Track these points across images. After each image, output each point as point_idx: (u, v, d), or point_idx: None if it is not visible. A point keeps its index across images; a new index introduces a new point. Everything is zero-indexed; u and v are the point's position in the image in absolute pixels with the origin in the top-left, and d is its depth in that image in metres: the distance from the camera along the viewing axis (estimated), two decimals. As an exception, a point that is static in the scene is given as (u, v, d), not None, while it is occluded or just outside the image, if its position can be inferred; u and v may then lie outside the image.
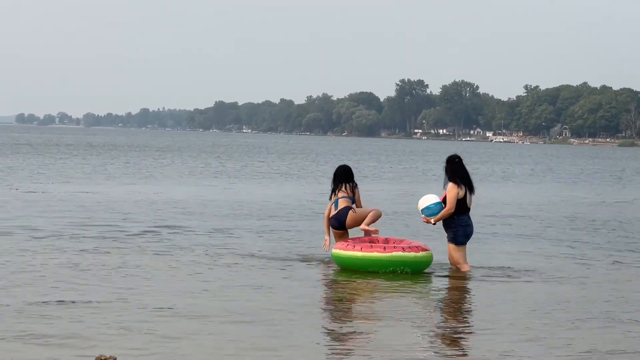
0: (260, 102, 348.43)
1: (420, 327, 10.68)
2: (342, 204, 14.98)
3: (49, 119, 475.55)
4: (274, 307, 11.49)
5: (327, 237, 15.18)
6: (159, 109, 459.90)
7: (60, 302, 11.32)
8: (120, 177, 39.89)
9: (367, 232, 14.95)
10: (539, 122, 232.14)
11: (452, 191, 14.55)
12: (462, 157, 14.96)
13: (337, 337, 10.07)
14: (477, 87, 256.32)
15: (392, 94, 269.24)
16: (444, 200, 14.61)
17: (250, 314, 11.01)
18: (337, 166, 15.57)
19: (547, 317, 11.35)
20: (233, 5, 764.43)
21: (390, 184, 40.82)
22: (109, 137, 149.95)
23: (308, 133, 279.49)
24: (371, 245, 14.33)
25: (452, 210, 14.47)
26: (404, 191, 34.10)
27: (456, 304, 12.50)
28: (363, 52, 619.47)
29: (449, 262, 14.86)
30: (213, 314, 10.92)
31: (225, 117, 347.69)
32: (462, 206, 14.56)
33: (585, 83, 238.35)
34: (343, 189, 15.05)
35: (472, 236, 14.94)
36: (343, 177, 15.16)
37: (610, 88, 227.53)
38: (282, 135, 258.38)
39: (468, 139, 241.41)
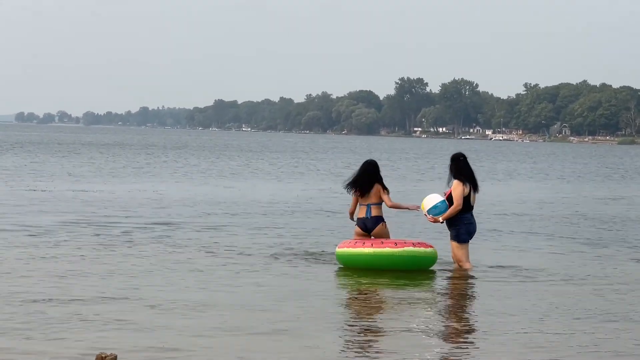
0: (259, 100, 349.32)
1: (424, 327, 10.63)
2: (375, 211, 14.64)
3: (49, 118, 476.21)
4: (281, 308, 11.43)
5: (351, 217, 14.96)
6: (158, 107, 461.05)
7: (52, 299, 11.26)
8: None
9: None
10: (539, 120, 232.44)
11: (458, 188, 14.53)
12: (466, 156, 14.94)
13: (343, 336, 10.00)
14: (477, 85, 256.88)
15: (392, 92, 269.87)
16: (448, 198, 14.59)
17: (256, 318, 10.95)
18: (364, 161, 15.10)
19: (550, 317, 11.30)
20: (233, 3, 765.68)
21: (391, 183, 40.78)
22: (120, 136, 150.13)
23: (307, 131, 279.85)
24: (382, 242, 14.22)
25: (460, 207, 14.45)
26: (404, 190, 34.12)
27: (460, 304, 12.46)
28: (363, 50, 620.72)
29: (452, 260, 14.84)
30: (214, 311, 10.86)
31: (224, 115, 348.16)
32: (465, 204, 14.56)
33: (584, 81, 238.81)
34: (373, 192, 14.65)
35: (476, 234, 14.91)
36: (373, 176, 14.76)
37: (610, 86, 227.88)
38: (282, 134, 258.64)
39: (468, 137, 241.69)
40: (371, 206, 14.62)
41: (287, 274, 14.07)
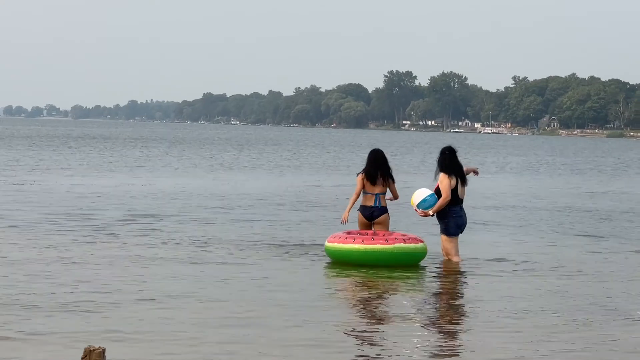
0: (248, 93, 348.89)
1: (414, 322, 10.64)
2: (383, 201, 14.76)
3: (37, 111, 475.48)
4: (271, 303, 11.41)
5: (346, 214, 14.89)
6: (147, 101, 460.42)
7: (39, 295, 11.22)
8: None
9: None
10: (528, 114, 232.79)
11: (445, 181, 14.56)
12: (455, 149, 14.94)
13: (330, 333, 9.96)
14: (466, 78, 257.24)
15: (381, 85, 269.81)
16: (436, 191, 14.60)
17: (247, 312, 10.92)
18: (372, 150, 15.16)
19: (539, 310, 11.30)
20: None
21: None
22: (111, 130, 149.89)
23: (296, 125, 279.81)
24: (372, 238, 14.19)
25: (449, 199, 14.47)
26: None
27: (450, 298, 12.44)
28: (352, 43, 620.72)
29: (441, 253, 14.85)
30: (199, 304, 10.84)
31: (213, 109, 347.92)
32: (454, 197, 14.57)
33: (573, 74, 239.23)
34: (381, 182, 14.74)
35: (470, 227, 14.93)
36: (381, 164, 14.86)
37: (599, 79, 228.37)
38: (271, 127, 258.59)
39: (456, 130, 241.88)
40: (379, 196, 14.72)
41: (275, 267, 14.06)
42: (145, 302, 11.03)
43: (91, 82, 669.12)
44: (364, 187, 14.78)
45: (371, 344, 9.42)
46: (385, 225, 14.77)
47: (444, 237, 14.71)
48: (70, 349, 8.59)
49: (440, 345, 9.40)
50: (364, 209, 14.80)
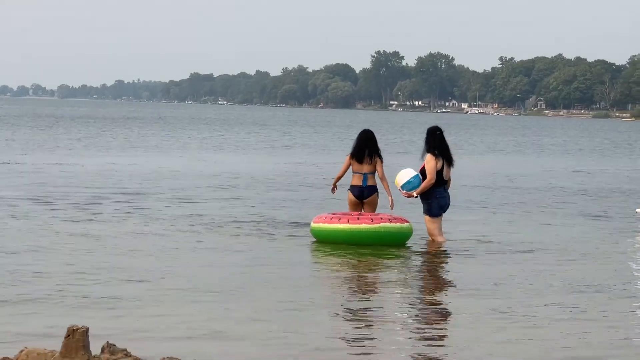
0: (235, 73, 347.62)
1: (397, 303, 10.73)
2: (370, 180, 14.86)
3: (23, 91, 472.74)
4: (260, 282, 11.47)
5: (333, 185, 15.23)
6: (133, 80, 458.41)
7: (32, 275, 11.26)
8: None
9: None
10: (514, 94, 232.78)
11: (431, 162, 14.60)
12: (443, 130, 14.99)
13: (313, 310, 10.03)
14: (453, 58, 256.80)
15: (368, 65, 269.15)
16: (422, 172, 14.66)
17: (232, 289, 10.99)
18: (362, 130, 15.31)
19: (524, 289, 11.40)
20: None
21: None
22: (98, 110, 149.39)
23: (283, 105, 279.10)
24: (358, 217, 14.26)
25: (434, 181, 14.54)
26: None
27: (433, 278, 12.55)
28: (339, 24, 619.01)
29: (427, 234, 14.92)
30: (194, 284, 10.90)
31: (200, 88, 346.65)
32: (438, 178, 14.63)
33: (560, 55, 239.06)
34: (369, 162, 14.84)
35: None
36: (369, 144, 14.96)
37: (585, 60, 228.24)
38: (258, 107, 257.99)
39: (443, 110, 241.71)
40: (367, 175, 14.83)
41: (260, 246, 14.14)
42: (133, 282, 11.08)
43: (77, 61, 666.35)
44: (352, 166, 14.89)
45: (354, 323, 9.49)
46: (374, 204, 14.89)
47: (427, 217, 14.78)
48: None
49: (424, 326, 9.47)
50: (353, 189, 14.92)
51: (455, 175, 15.79)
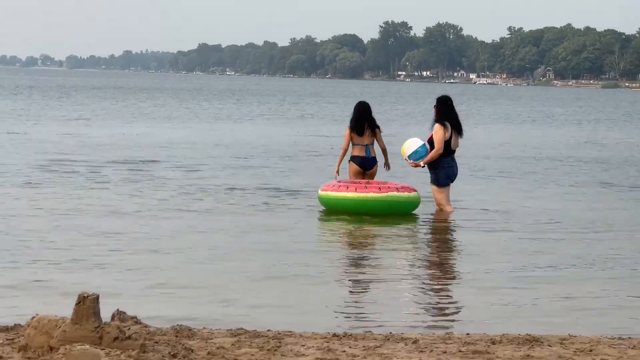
0: (243, 44, 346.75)
1: (404, 271, 10.78)
2: (372, 152, 15.05)
3: (32, 61, 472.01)
4: (268, 249, 11.53)
5: (337, 167, 15.18)
6: (142, 51, 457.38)
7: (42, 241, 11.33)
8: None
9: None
10: (523, 64, 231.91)
11: (439, 132, 14.59)
12: (452, 99, 14.99)
13: (319, 277, 10.08)
14: (461, 29, 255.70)
15: (376, 36, 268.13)
16: (430, 142, 14.66)
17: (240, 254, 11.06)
18: (358, 102, 15.51)
19: (530, 260, 11.43)
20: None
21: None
22: (110, 80, 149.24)
23: (292, 75, 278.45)
24: (366, 186, 14.31)
25: (441, 151, 14.54)
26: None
27: (440, 248, 12.59)
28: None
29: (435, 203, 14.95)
30: (205, 255, 10.96)
31: (208, 59, 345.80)
32: (446, 148, 14.62)
33: (569, 24, 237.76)
34: (369, 133, 15.00)
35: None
36: (366, 116, 15.09)
37: (594, 29, 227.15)
38: (266, 78, 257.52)
39: (452, 81, 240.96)
40: (369, 146, 15.01)
41: (267, 214, 14.20)
42: (142, 250, 11.14)
43: (86, 32, 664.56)
44: (352, 139, 15.00)
45: (359, 288, 9.55)
46: (374, 176, 15.08)
47: (434, 187, 14.80)
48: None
49: (430, 299, 9.49)
50: (355, 158, 15.04)
51: (467, 145, 15.79)
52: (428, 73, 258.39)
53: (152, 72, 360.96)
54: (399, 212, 14.31)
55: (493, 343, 6.66)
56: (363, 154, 14.98)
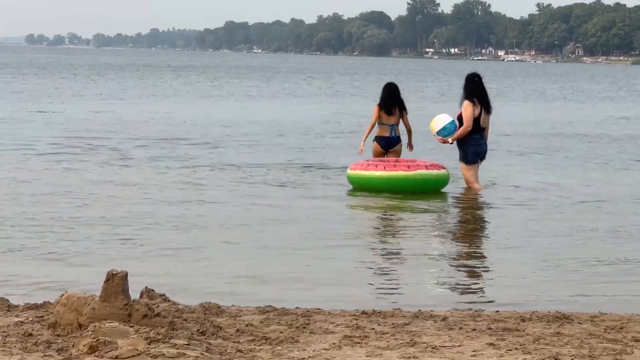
0: (270, 21, 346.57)
1: (433, 250, 10.75)
2: (397, 131, 15.18)
3: (59, 40, 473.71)
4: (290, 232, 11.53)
5: (362, 143, 15.29)
6: (168, 29, 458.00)
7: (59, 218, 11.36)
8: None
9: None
10: (552, 41, 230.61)
11: (468, 109, 14.52)
12: (481, 76, 14.92)
13: (347, 255, 10.07)
14: (489, 5, 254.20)
15: (404, 12, 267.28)
16: (459, 119, 14.60)
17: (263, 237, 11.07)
18: (387, 83, 15.72)
19: (552, 240, 11.35)
20: None
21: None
22: (142, 58, 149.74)
23: (319, 53, 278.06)
24: (395, 164, 14.28)
25: (470, 128, 14.47)
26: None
27: (469, 225, 12.53)
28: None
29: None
30: (220, 229, 10.97)
31: (235, 37, 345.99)
32: (475, 125, 14.54)
33: (598, 1, 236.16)
34: (397, 113, 15.13)
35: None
36: (394, 97, 15.21)
37: (624, 5, 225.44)
38: (293, 56, 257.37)
39: (480, 58, 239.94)
40: (395, 126, 15.15)
41: (295, 193, 14.20)
42: (168, 228, 11.16)
43: (113, 10, 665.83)
44: (380, 118, 15.07)
45: (388, 268, 9.52)
46: (398, 154, 15.19)
47: (462, 164, 14.74)
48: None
49: (459, 276, 9.45)
50: (380, 139, 15.17)
51: (498, 123, 15.70)
52: (456, 50, 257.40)
53: (179, 50, 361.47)
54: (427, 190, 14.27)
55: (523, 320, 6.64)
56: (388, 134, 15.12)
